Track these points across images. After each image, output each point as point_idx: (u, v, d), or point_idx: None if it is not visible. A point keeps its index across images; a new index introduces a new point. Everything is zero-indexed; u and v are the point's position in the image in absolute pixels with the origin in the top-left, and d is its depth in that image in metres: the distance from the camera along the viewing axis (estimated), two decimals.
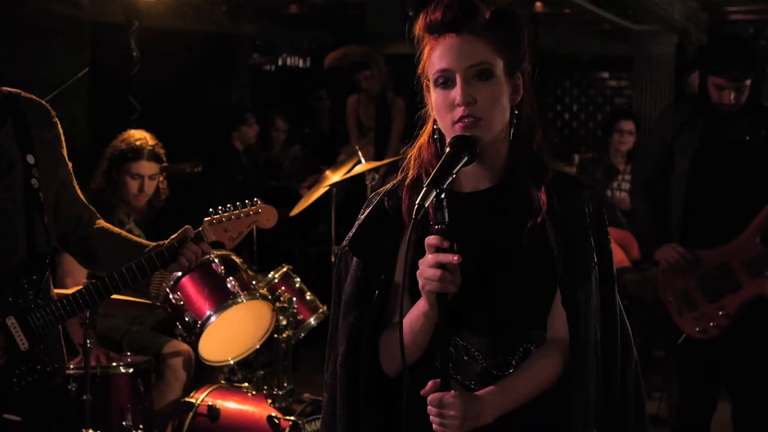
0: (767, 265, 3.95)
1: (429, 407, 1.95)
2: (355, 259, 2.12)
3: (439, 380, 1.96)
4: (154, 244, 2.82)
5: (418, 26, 2.04)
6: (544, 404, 2.05)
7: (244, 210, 2.88)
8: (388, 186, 2.16)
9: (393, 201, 2.12)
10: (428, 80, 2.05)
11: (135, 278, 2.75)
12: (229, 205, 2.88)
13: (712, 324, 4.04)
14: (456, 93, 1.97)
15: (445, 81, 2.00)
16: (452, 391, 1.95)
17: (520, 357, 2.05)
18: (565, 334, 2.05)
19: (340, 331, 2.14)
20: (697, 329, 4.07)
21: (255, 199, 2.94)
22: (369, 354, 2.08)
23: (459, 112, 1.97)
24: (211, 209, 2.86)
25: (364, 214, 2.15)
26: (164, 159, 4.54)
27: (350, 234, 2.15)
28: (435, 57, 2.01)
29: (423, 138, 2.11)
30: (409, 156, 2.13)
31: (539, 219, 2.03)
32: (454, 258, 1.88)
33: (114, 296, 3.64)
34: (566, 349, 2.05)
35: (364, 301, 2.09)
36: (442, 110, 2.01)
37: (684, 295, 4.12)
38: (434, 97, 2.02)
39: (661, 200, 4.24)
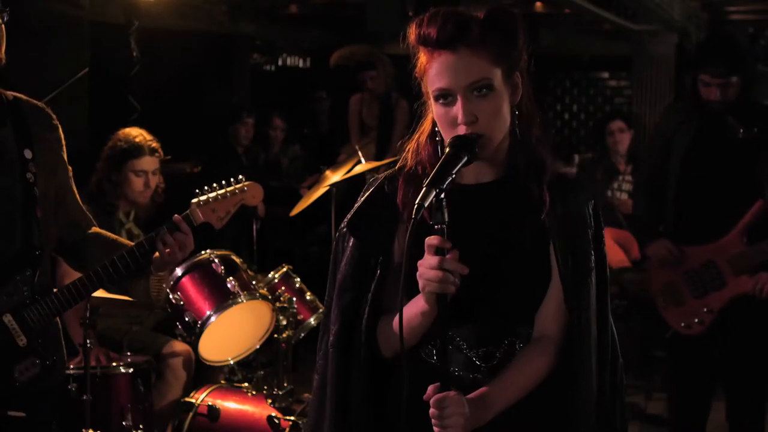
0: (751, 263, 3.97)
1: (431, 410, 1.94)
2: (352, 240, 2.13)
3: (438, 384, 1.96)
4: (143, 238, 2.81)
5: (412, 37, 2.02)
6: (541, 406, 2.06)
7: (230, 189, 2.88)
8: (389, 172, 2.16)
9: (392, 187, 2.12)
10: (426, 86, 2.05)
11: (119, 271, 2.73)
12: (215, 185, 2.88)
13: (696, 320, 4.08)
14: (457, 112, 1.97)
15: (445, 97, 1.99)
16: (453, 392, 1.95)
17: (504, 350, 2.05)
18: (555, 332, 2.06)
19: (333, 312, 2.14)
20: (682, 324, 4.12)
21: (240, 176, 2.94)
22: (364, 336, 2.08)
23: (461, 130, 1.97)
24: (197, 190, 2.86)
25: (363, 197, 2.16)
26: (161, 153, 4.56)
27: (349, 215, 2.16)
28: (432, 74, 2.00)
29: (423, 136, 2.11)
30: (407, 148, 2.13)
31: (543, 216, 2.04)
32: (465, 270, 1.89)
33: (115, 296, 3.67)
34: (556, 348, 2.06)
35: (360, 282, 2.11)
36: (444, 125, 2.01)
37: (671, 290, 4.17)
38: (435, 110, 2.03)
39: (661, 198, 4.27)
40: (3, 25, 2.63)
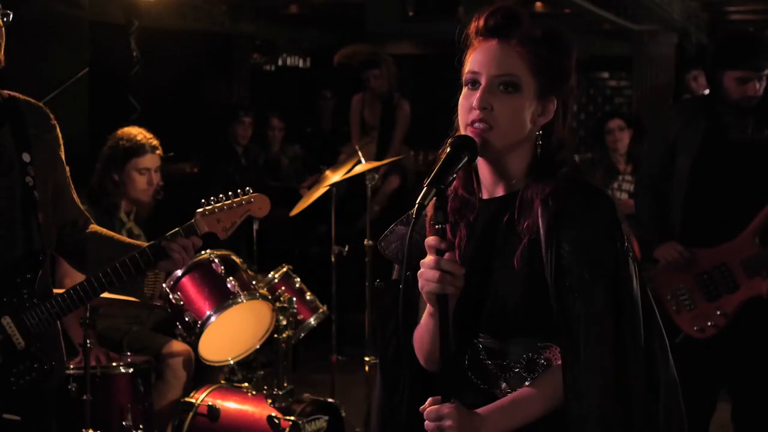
0: (764, 265, 3.94)
1: (426, 422, 1.93)
2: None
3: (438, 397, 1.94)
4: (147, 244, 2.81)
5: (470, 28, 2.04)
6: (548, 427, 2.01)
7: (236, 200, 2.87)
8: None
9: None
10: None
11: (120, 277, 2.74)
12: (221, 195, 2.87)
13: (709, 323, 4.04)
14: (476, 96, 1.98)
15: (473, 82, 2.01)
16: (449, 404, 1.93)
17: (524, 366, 1.99)
18: None
19: (377, 323, 2.18)
20: (695, 328, 4.07)
21: (247, 188, 2.94)
22: (396, 347, 2.10)
23: (473, 115, 1.98)
24: (203, 200, 2.85)
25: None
26: (161, 150, 4.57)
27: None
28: (471, 58, 2.03)
29: None
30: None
31: (530, 236, 1.97)
32: (461, 270, 1.88)
33: (115, 296, 3.67)
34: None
35: (395, 297, 2.10)
36: (462, 109, 2.02)
37: (682, 294, 4.12)
38: (461, 97, 2.03)
39: (664, 199, 4.23)
40: (2, 27, 2.63)
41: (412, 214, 1.96)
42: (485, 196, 2.08)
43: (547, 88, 2.01)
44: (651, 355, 2.00)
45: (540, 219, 1.96)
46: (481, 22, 2.02)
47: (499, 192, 2.06)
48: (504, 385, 2.01)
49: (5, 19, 2.63)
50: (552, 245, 1.93)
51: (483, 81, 1.99)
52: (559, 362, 1.96)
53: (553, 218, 1.94)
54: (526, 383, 1.99)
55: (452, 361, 1.98)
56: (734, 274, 4.00)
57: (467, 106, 2.00)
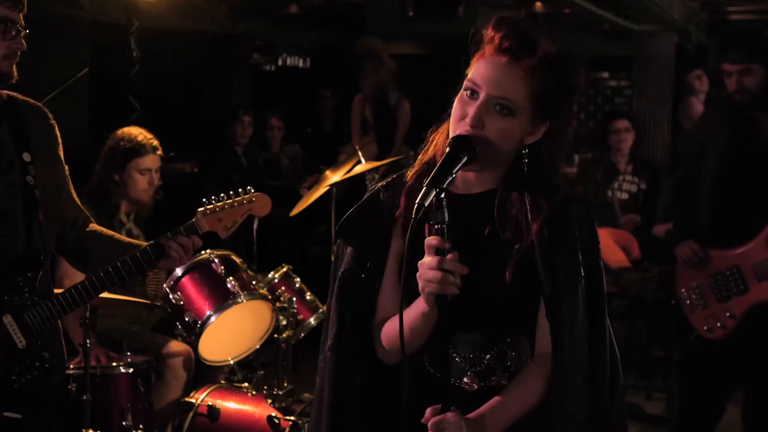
0: None
1: None
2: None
3: (438, 406, 1.94)
4: (146, 244, 2.82)
5: (485, 34, 2.04)
6: (525, 426, 2.03)
7: (237, 199, 2.87)
8: (388, 180, 2.17)
9: (389, 193, 2.13)
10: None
11: (122, 276, 2.74)
12: (222, 195, 2.87)
13: (718, 324, 4.05)
14: (471, 110, 1.99)
15: (472, 92, 2.01)
16: (451, 413, 1.93)
17: (494, 357, 2.03)
18: (550, 348, 2.03)
19: (331, 315, 2.16)
20: (705, 327, 4.09)
21: (248, 187, 2.93)
22: (357, 342, 2.10)
23: (464, 126, 1.99)
24: (204, 199, 2.85)
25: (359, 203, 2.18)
26: (161, 150, 4.57)
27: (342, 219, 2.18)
28: (478, 66, 2.03)
29: (441, 137, 2.11)
30: (420, 159, 2.13)
31: (521, 255, 2.01)
32: (464, 270, 1.89)
33: (115, 296, 3.68)
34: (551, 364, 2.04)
35: (356, 286, 2.13)
36: (455, 114, 2.03)
37: (696, 292, 4.14)
38: (458, 96, 2.04)
39: (694, 198, 4.23)
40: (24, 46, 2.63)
41: (370, 196, 2.10)
42: (461, 192, 2.09)
43: (543, 113, 2.03)
44: (611, 356, 2.10)
45: (535, 242, 2.00)
46: (497, 39, 2.00)
47: (476, 190, 2.09)
48: (470, 376, 2.03)
49: (23, 34, 2.63)
50: (548, 266, 2.00)
51: (481, 96, 1.99)
52: (527, 350, 2.05)
53: (547, 239, 2.00)
54: (493, 378, 2.02)
55: (448, 361, 1.99)
56: (746, 277, 4.00)
57: (460, 114, 2.01)
